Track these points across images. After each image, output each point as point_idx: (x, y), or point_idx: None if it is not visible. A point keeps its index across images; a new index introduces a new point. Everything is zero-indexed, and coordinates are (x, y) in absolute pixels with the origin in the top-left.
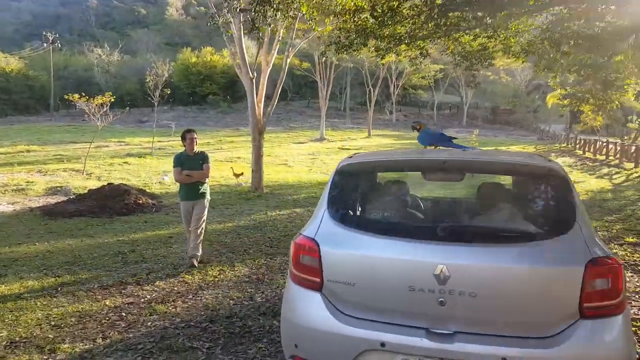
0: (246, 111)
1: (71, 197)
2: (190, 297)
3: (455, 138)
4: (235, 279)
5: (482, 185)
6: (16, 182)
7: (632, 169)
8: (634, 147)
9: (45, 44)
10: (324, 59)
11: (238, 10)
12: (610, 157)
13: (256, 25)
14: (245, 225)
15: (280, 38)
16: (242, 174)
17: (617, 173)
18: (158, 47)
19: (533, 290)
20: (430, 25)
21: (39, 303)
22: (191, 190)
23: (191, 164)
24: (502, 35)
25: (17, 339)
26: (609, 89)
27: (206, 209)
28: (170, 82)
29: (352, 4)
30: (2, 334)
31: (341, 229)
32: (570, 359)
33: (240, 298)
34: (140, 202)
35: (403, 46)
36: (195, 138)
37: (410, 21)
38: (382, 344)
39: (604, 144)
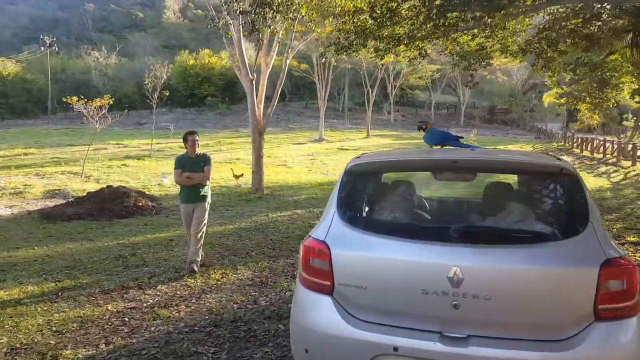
0: (245, 113)
1: (70, 200)
2: (194, 301)
3: (461, 137)
4: (238, 282)
5: (489, 185)
6: (14, 185)
7: (629, 167)
8: (630, 146)
9: (42, 48)
10: (323, 60)
11: (238, 12)
12: (608, 156)
13: (256, 27)
14: (246, 227)
15: (279, 39)
16: (242, 175)
17: (615, 171)
18: (155, 50)
19: (548, 292)
20: (428, 25)
21: (39, 308)
22: (191, 193)
23: (192, 166)
24: (499, 35)
25: (17, 345)
26: (605, 87)
27: (207, 212)
28: (168, 84)
29: (352, 5)
30: (2, 341)
31: (352, 230)
32: None
33: (244, 302)
34: (140, 204)
35: (402, 47)
36: (197, 140)
37: (409, 22)
38: (395, 349)
39: (601, 142)
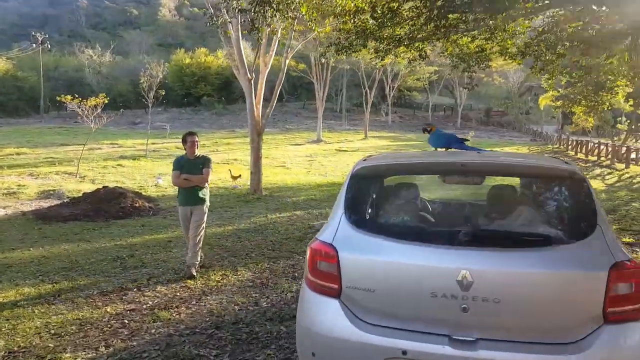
0: (242, 113)
1: (65, 200)
2: (194, 302)
3: (467, 140)
4: (238, 284)
5: (494, 187)
6: (7, 185)
7: (623, 169)
8: (624, 148)
9: (34, 45)
10: (323, 60)
11: (237, 10)
12: (602, 158)
13: (256, 26)
14: (245, 228)
15: (279, 39)
16: (239, 176)
17: (609, 174)
18: (151, 48)
19: (557, 295)
20: (429, 26)
21: (36, 311)
22: (190, 195)
23: (191, 168)
24: (499, 37)
25: (15, 348)
26: (600, 90)
27: (205, 215)
28: (164, 83)
29: (353, 5)
30: None
31: (360, 233)
32: None
33: (245, 303)
34: (137, 205)
35: (402, 48)
36: (197, 141)
37: (410, 22)
38: (404, 352)
39: (596, 145)
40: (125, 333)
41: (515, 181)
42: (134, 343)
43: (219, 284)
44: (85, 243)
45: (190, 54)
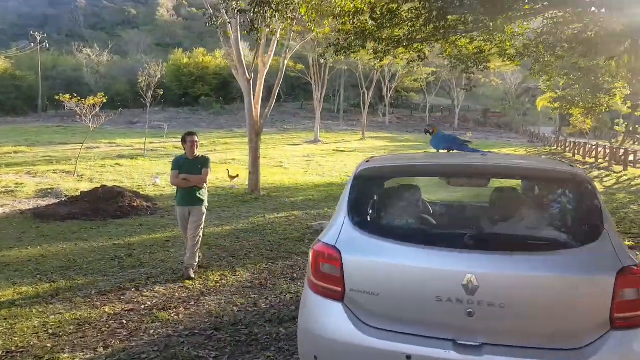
0: (240, 112)
1: (63, 199)
2: (193, 303)
3: (470, 142)
4: (237, 285)
5: (497, 190)
6: (4, 184)
7: (621, 171)
8: (622, 150)
9: (32, 44)
10: (322, 61)
11: (236, 11)
12: (600, 160)
13: (255, 27)
14: (243, 228)
15: (278, 39)
16: (237, 176)
17: (607, 176)
18: (149, 47)
19: (564, 301)
20: (428, 27)
21: (34, 310)
22: (188, 195)
23: (190, 168)
24: (498, 39)
25: (13, 348)
26: (598, 92)
27: (204, 216)
28: (162, 83)
29: (352, 6)
30: None
31: (364, 235)
32: None
33: (244, 304)
34: (135, 204)
35: (401, 49)
36: (197, 142)
37: (409, 24)
38: (408, 357)
39: (594, 147)
40: (124, 333)
41: (517, 183)
42: (133, 344)
43: (218, 284)
44: (83, 242)
45: (188, 54)
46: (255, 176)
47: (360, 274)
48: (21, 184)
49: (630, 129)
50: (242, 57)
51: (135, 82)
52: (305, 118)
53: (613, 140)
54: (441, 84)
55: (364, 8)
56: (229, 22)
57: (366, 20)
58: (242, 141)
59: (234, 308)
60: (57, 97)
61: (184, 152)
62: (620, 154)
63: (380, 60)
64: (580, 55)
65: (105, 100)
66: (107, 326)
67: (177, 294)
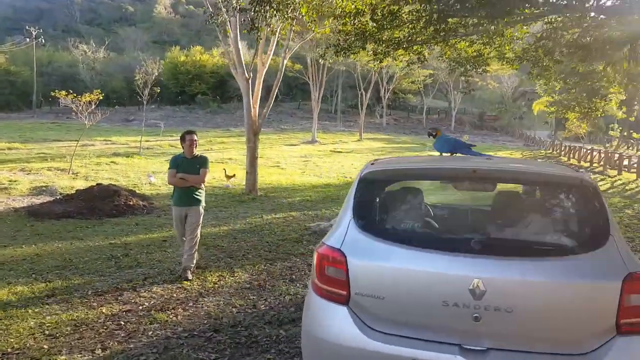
0: (237, 112)
1: (58, 197)
2: (191, 304)
3: (473, 145)
4: (236, 286)
5: (499, 194)
6: None
7: (615, 176)
8: (617, 155)
9: (27, 39)
10: (322, 61)
11: (237, 9)
12: (595, 164)
13: (256, 26)
14: (241, 228)
15: (278, 38)
16: (234, 175)
17: (602, 180)
18: (146, 45)
19: (570, 306)
20: (429, 30)
21: (30, 310)
22: (185, 195)
23: (188, 168)
24: (497, 42)
25: (9, 350)
26: (594, 97)
27: (201, 216)
28: (159, 80)
29: (353, 7)
30: None
31: (369, 239)
32: None
33: (243, 305)
34: (131, 203)
35: (400, 50)
36: (196, 141)
37: (410, 26)
38: None
39: (589, 151)
40: (122, 335)
41: (518, 187)
42: (131, 345)
43: (216, 285)
44: (78, 241)
45: (185, 51)
46: (253, 176)
47: (366, 278)
48: (15, 181)
49: (625, 133)
50: (242, 56)
51: (131, 79)
52: (302, 118)
53: (608, 145)
54: (438, 86)
55: (365, 9)
56: (229, 21)
57: (367, 21)
58: (238, 140)
59: (233, 309)
60: (52, 94)
61: (181, 151)
62: (615, 159)
63: (380, 62)
64: (579, 60)
65: (101, 97)
66: (105, 327)
67: (175, 295)
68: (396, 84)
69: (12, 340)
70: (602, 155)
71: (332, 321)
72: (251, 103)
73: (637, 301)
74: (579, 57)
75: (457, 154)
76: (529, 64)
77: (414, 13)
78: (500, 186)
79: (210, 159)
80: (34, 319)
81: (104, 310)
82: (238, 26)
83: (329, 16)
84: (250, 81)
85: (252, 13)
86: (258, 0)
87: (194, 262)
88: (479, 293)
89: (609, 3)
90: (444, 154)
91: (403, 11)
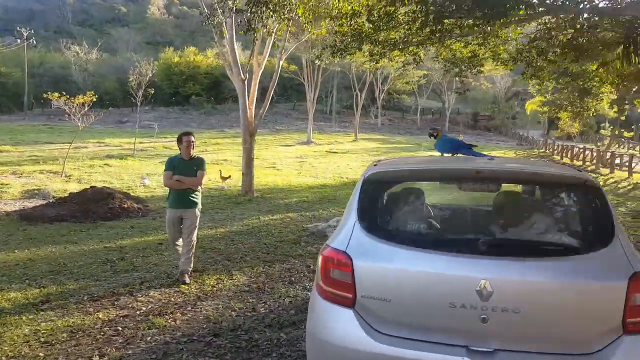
0: (231, 113)
1: (50, 200)
2: (189, 308)
3: (475, 146)
4: (234, 289)
5: (500, 194)
6: None
7: (607, 174)
8: (609, 154)
9: (18, 40)
10: (318, 62)
11: (233, 10)
12: (587, 163)
13: (252, 26)
14: (238, 230)
15: (274, 39)
16: (229, 177)
17: (594, 178)
18: (139, 45)
19: (577, 306)
20: (425, 31)
21: (24, 317)
22: (181, 197)
23: (185, 169)
24: (492, 43)
25: (3, 358)
26: (586, 97)
27: (198, 219)
28: (153, 82)
29: (349, 8)
30: None
31: (375, 241)
32: None
33: (243, 309)
34: (126, 206)
35: (396, 51)
36: (193, 142)
37: (406, 27)
38: None
39: (581, 150)
40: (120, 341)
41: (518, 187)
42: (129, 351)
43: (214, 288)
44: (72, 245)
45: (179, 52)
46: (249, 177)
47: (372, 280)
48: (6, 184)
49: (616, 132)
50: (237, 57)
51: (124, 80)
52: (297, 119)
53: (599, 144)
54: (432, 86)
55: (361, 10)
56: (225, 22)
57: (363, 22)
58: (233, 142)
59: (232, 313)
60: (45, 95)
61: (176, 152)
62: (607, 157)
63: (376, 63)
64: (571, 60)
65: (95, 99)
66: (102, 333)
67: (172, 299)
68: (391, 84)
69: (6, 348)
70: (595, 154)
71: (338, 324)
72: (247, 104)
73: None
74: (571, 57)
75: (458, 154)
76: (523, 64)
77: (410, 14)
78: (502, 186)
79: (206, 160)
80: (29, 325)
81: (100, 316)
82: (234, 27)
83: (325, 17)
84: (246, 82)
85: (249, 14)
86: (254, 1)
87: (192, 265)
88: (486, 294)
89: (602, 4)
90: (445, 155)
91: (399, 12)
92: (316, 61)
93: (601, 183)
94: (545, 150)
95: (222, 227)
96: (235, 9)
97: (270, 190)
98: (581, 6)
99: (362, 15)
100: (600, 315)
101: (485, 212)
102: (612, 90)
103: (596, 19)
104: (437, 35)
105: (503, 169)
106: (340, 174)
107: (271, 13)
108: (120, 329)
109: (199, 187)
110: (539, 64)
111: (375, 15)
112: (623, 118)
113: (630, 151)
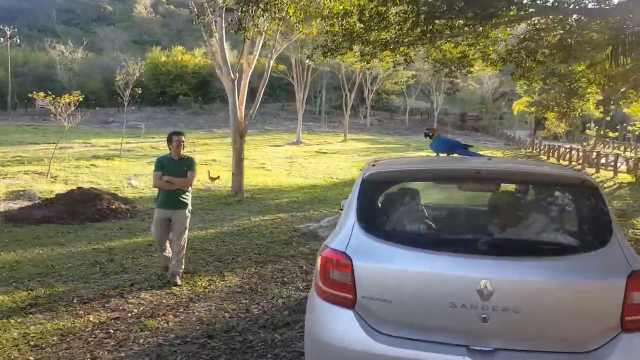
0: (219, 113)
1: (36, 202)
2: (182, 310)
3: (471, 146)
4: (227, 290)
5: (496, 194)
6: None
7: (594, 174)
8: (595, 154)
9: (2, 39)
10: (309, 62)
11: (223, 9)
12: (574, 163)
13: (243, 26)
14: (229, 231)
15: (265, 39)
16: (218, 177)
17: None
18: (125, 45)
19: (576, 305)
20: (415, 31)
21: (12, 321)
22: (170, 198)
23: (174, 170)
24: (482, 44)
25: None
26: (573, 97)
27: (188, 220)
28: (140, 81)
29: (341, 7)
30: None
31: (374, 241)
32: None
33: (236, 310)
34: (114, 207)
35: (387, 52)
36: (183, 142)
37: (397, 27)
38: None
39: (567, 150)
40: (112, 344)
41: (512, 187)
42: (122, 354)
43: (206, 290)
44: (60, 247)
45: (166, 52)
46: (239, 178)
47: (372, 281)
48: None
49: (602, 132)
50: (227, 57)
51: (110, 80)
52: (286, 119)
53: (585, 144)
54: (421, 87)
55: (353, 10)
56: (215, 21)
57: (354, 22)
58: (222, 142)
59: (226, 314)
60: (30, 95)
61: (164, 152)
62: (593, 157)
63: (367, 63)
64: (560, 61)
65: (81, 99)
66: (93, 336)
67: (164, 301)
68: (380, 85)
69: None
70: (581, 154)
71: (337, 324)
72: (237, 104)
73: None
74: (560, 58)
75: (454, 154)
76: (512, 64)
77: (401, 14)
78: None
79: (195, 161)
80: (17, 329)
81: (91, 319)
82: (224, 26)
83: (316, 17)
84: (236, 82)
85: (240, 13)
86: (245, 0)
87: (183, 267)
88: (486, 294)
89: (591, 5)
90: (440, 155)
91: (390, 12)
92: (307, 61)
93: None
94: (532, 150)
95: (212, 228)
96: (226, 8)
97: (260, 190)
98: (570, 7)
99: (353, 15)
100: (599, 313)
101: (485, 213)
102: (599, 91)
103: (585, 20)
104: (428, 35)
105: (502, 168)
106: (330, 174)
107: (262, 12)
108: (111, 331)
109: (190, 188)
110: (528, 64)
111: (367, 15)
112: (609, 119)
113: (615, 151)
